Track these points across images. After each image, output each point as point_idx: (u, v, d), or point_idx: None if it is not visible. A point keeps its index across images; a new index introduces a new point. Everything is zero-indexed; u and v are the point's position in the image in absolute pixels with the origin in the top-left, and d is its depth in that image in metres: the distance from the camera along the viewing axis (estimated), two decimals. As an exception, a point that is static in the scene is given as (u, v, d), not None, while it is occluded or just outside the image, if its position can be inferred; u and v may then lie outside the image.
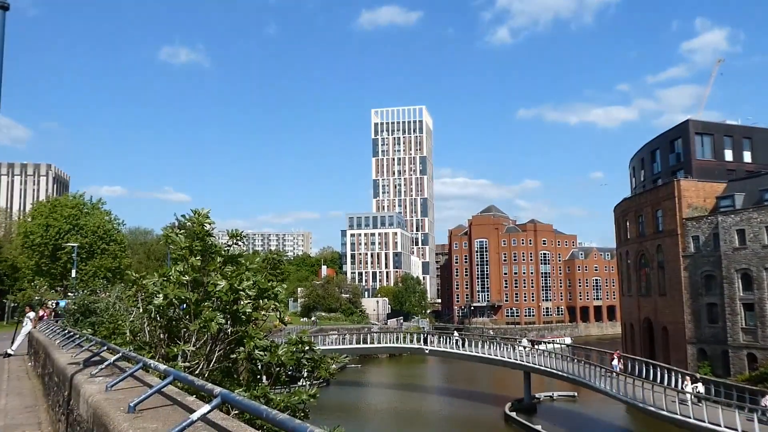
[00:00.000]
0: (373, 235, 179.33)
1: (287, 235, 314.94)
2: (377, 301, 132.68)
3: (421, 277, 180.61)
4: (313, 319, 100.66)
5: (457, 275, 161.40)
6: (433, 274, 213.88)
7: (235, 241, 9.73)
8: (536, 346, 54.25)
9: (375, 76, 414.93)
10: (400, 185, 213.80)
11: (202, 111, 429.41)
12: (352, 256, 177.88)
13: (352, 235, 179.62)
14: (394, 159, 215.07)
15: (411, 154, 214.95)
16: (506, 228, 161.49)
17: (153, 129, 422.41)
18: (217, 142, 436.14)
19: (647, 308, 60.27)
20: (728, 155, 64.58)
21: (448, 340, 58.78)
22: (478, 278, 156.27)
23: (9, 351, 21.29)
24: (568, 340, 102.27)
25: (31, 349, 19.05)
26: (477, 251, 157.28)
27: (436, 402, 56.56)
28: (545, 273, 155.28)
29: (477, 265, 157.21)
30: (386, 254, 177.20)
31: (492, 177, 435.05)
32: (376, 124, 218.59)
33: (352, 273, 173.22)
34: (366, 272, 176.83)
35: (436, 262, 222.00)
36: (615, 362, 44.03)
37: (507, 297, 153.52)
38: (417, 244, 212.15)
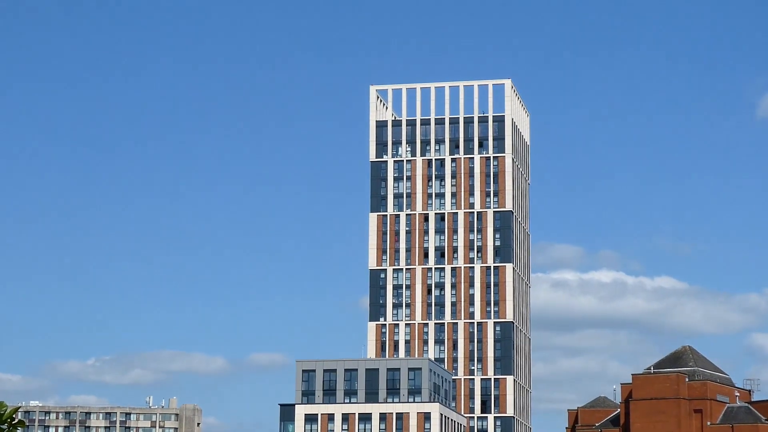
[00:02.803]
0: (365, 417, 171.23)
1: (136, 416, 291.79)
2: None
3: None
4: None
5: None
6: None
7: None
8: None
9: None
10: (441, 285, 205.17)
11: None
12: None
13: (310, 419, 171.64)
14: (425, 218, 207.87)
15: (473, 206, 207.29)
16: (723, 411, 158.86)
17: None
18: None
19: None
20: None
21: None
22: None
23: None
24: None
25: None
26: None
27: None
28: None
29: None
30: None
31: (689, 273, 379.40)
32: (380, 126, 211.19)
33: None
34: None
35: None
36: None
37: None
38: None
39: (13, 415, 8.85)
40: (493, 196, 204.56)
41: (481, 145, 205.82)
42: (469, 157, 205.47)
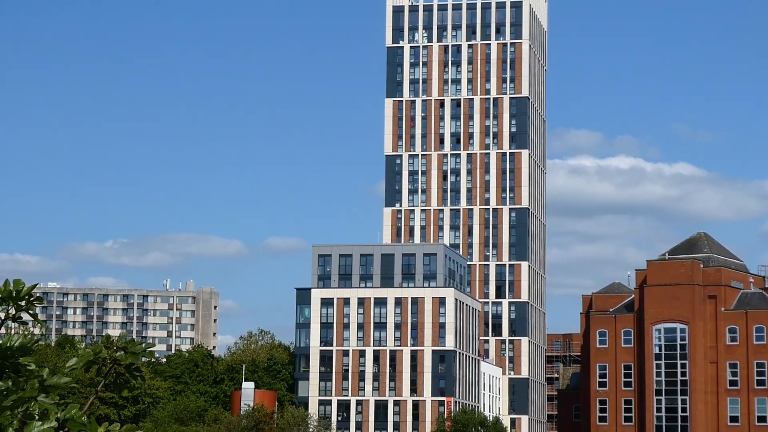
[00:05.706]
0: (381, 301, 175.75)
1: (153, 298, 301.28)
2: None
3: (506, 421, 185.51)
4: None
5: (602, 418, 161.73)
6: (540, 412, 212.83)
7: (15, 310, 9.50)
8: None
9: None
10: (457, 171, 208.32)
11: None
12: (325, 359, 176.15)
13: (326, 303, 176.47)
14: (441, 104, 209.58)
15: (489, 92, 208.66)
16: (738, 297, 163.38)
17: None
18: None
19: None
20: None
21: None
22: (659, 426, 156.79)
23: None
24: None
25: None
26: (657, 352, 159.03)
27: None
28: None
29: (657, 390, 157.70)
30: (415, 355, 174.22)
31: (707, 159, 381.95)
32: (397, 11, 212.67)
33: (323, 401, 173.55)
34: (362, 400, 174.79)
35: (549, 381, 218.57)
36: None
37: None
38: (498, 332, 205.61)
39: (31, 292, 9.39)
40: (510, 82, 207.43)
41: (498, 31, 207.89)
42: (486, 43, 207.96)
